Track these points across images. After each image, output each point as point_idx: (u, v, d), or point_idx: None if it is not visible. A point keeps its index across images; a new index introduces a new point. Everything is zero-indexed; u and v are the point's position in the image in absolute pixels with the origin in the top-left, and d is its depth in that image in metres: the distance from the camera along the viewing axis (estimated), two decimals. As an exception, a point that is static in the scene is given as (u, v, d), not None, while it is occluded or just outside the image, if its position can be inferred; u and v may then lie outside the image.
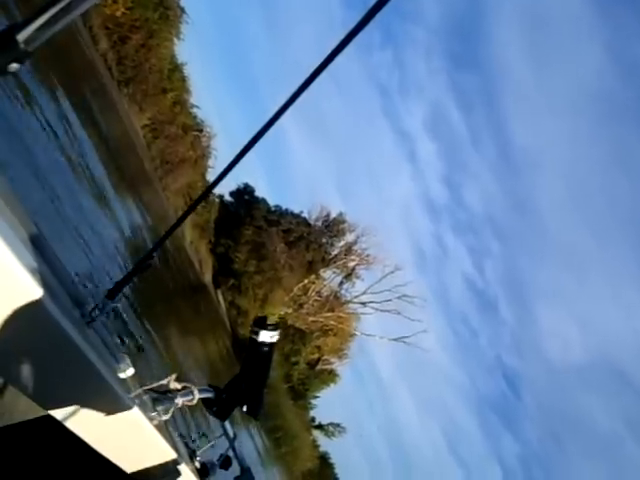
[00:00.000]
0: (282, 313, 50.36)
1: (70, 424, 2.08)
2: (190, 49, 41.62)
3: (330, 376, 57.40)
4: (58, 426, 2.06)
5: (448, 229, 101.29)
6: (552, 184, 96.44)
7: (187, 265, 41.37)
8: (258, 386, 2.88)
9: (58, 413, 2.01)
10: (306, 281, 51.74)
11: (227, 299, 47.36)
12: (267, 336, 2.80)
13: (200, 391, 2.68)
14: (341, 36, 1.70)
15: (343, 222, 54.18)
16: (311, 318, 52.46)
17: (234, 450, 3.20)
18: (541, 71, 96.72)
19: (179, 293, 33.18)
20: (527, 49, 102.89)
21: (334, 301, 54.08)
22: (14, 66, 1.39)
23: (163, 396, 2.50)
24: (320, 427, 60.94)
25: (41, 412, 2.30)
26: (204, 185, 44.99)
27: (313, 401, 59.77)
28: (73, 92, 22.82)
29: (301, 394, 55.68)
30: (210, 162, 43.97)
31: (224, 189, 51.04)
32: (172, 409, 2.50)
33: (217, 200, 48.76)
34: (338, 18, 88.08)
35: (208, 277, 46.67)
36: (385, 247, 53.54)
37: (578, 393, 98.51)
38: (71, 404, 1.99)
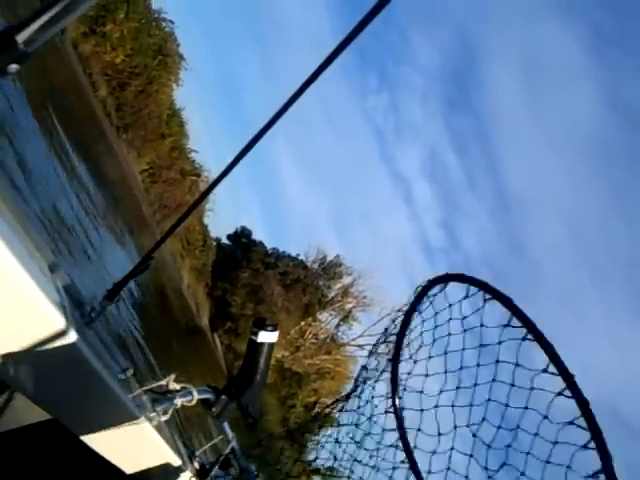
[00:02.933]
0: (279, 356, 50.21)
1: (69, 425, 2.09)
2: (188, 94, 42.19)
3: (328, 419, 56.93)
4: (58, 427, 2.08)
5: (445, 271, 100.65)
6: (549, 226, 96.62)
7: (184, 308, 41.33)
8: (258, 387, 2.88)
9: (57, 414, 2.02)
10: (303, 324, 51.62)
11: (224, 342, 47.16)
12: (266, 337, 2.79)
13: (199, 392, 2.66)
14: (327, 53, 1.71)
15: (340, 264, 54.23)
16: (308, 361, 52.24)
17: (233, 450, 3.21)
18: (537, 114, 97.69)
19: (175, 336, 33.15)
20: (522, 92, 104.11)
21: (331, 344, 53.88)
22: (13, 67, 1.37)
23: (162, 397, 2.49)
24: (317, 472, 60.21)
25: (41, 416, 2.31)
26: (201, 229, 45.24)
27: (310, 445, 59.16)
28: (72, 138, 23.15)
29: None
30: (208, 206, 44.20)
31: (221, 232, 51.33)
32: (171, 409, 2.49)
33: (214, 243, 48.92)
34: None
35: (205, 320, 46.57)
36: (382, 289, 53.46)
37: (579, 442, 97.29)
38: (70, 405, 1.99)
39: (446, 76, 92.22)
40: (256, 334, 2.78)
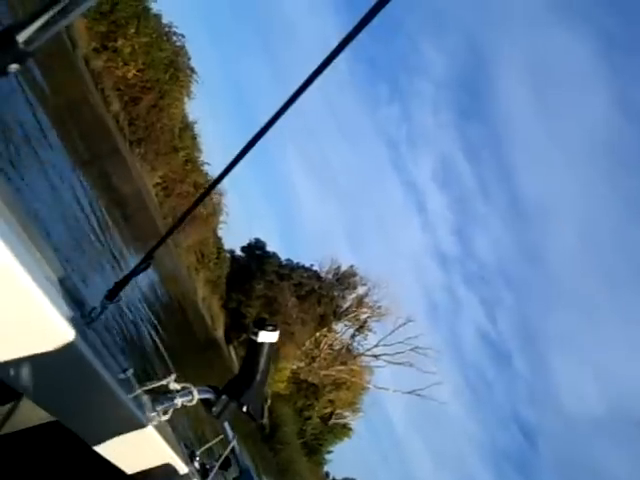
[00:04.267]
0: (294, 367, 50.20)
1: (69, 425, 2.08)
2: (200, 107, 42.31)
3: (344, 430, 56.76)
4: (58, 428, 2.08)
5: (459, 280, 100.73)
6: (563, 233, 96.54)
7: (199, 321, 41.42)
8: (258, 387, 2.85)
9: (57, 415, 2.02)
10: (318, 334, 51.63)
11: (239, 354, 47.14)
12: (266, 337, 2.77)
13: (199, 392, 2.64)
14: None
15: (354, 275, 54.26)
16: (323, 372, 52.18)
17: (233, 451, 3.18)
18: (549, 121, 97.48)
19: (191, 349, 33.23)
20: (534, 99, 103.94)
21: (346, 354, 53.82)
22: (14, 67, 1.36)
23: (162, 396, 2.48)
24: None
25: (41, 418, 2.31)
26: (215, 242, 45.33)
27: (327, 456, 59.02)
28: (85, 153, 23.32)
29: (315, 449, 55.03)
30: (221, 218, 44.34)
31: (235, 244, 51.44)
32: (171, 409, 2.47)
33: (228, 256, 49.03)
34: (345, 70, 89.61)
35: (220, 332, 46.63)
36: (397, 299, 53.41)
37: (596, 444, 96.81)
38: (69, 405, 1.97)
39: (457, 85, 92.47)
40: (256, 334, 2.75)
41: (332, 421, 55.11)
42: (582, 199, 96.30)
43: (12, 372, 1.72)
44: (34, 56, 1.37)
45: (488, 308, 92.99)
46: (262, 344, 2.76)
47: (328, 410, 54.21)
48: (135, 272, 2.22)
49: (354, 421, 57.36)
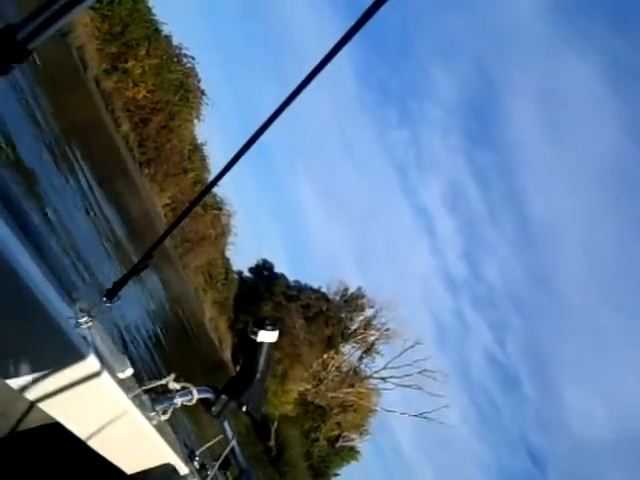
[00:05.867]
0: (302, 389, 49.99)
1: (69, 425, 2.08)
2: (209, 128, 42.51)
3: (351, 453, 56.35)
4: (58, 428, 2.07)
5: (468, 303, 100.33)
6: (572, 257, 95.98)
7: (207, 342, 41.36)
8: (258, 386, 2.85)
9: (57, 414, 2.01)
10: (325, 356, 51.44)
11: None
12: (266, 336, 2.78)
13: (199, 391, 2.66)
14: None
15: (362, 296, 54.13)
16: (331, 394, 51.94)
17: (233, 450, 3.17)
18: (558, 146, 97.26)
19: (198, 370, 33.15)
20: (543, 124, 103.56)
21: (354, 376, 53.59)
22: (13, 65, 1.35)
23: (162, 396, 2.49)
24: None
25: (42, 420, 2.30)
26: (223, 262, 45.35)
27: (334, 479, 58.62)
28: (95, 173, 23.41)
29: (322, 472, 54.61)
30: (229, 239, 44.41)
31: (243, 265, 51.43)
32: (171, 409, 2.48)
33: (236, 277, 49.04)
34: (354, 96, 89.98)
35: (227, 354, 46.51)
36: (405, 321, 53.24)
37: (605, 468, 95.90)
38: (70, 404, 1.97)
39: (466, 109, 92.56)
40: (256, 333, 2.77)
41: (339, 444, 54.73)
42: (591, 223, 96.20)
43: (10, 369, 1.74)
44: (33, 54, 1.36)
45: (496, 331, 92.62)
46: (261, 343, 2.78)
47: (335, 432, 53.87)
48: (134, 272, 2.22)
49: (361, 444, 57.04)
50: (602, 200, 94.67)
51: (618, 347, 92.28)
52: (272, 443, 46.39)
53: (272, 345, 2.83)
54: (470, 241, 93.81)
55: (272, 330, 2.80)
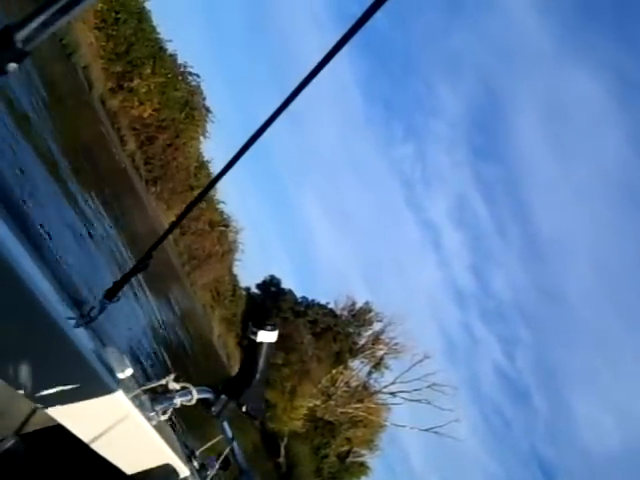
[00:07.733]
0: (311, 405, 49.83)
1: (69, 425, 2.07)
2: (215, 146, 42.63)
3: (361, 469, 56.01)
4: (59, 428, 2.07)
5: (476, 317, 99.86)
6: (580, 270, 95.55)
7: (215, 359, 41.31)
8: (257, 386, 2.87)
9: (56, 414, 2.01)
10: (334, 372, 51.30)
11: (255, 392, 46.90)
12: (266, 336, 2.78)
13: (199, 391, 2.67)
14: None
15: (370, 311, 54.00)
16: (340, 409, 51.73)
17: (233, 451, 3.17)
18: (564, 159, 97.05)
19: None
20: (549, 139, 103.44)
21: (363, 391, 53.39)
22: (12, 66, 1.34)
23: (162, 396, 2.49)
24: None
25: (43, 422, 2.32)
26: (231, 279, 45.38)
27: (344, 496, 58.30)
28: (102, 192, 23.47)
29: (332, 488, 54.45)
30: (237, 256, 44.44)
31: (251, 282, 51.42)
32: (171, 409, 2.49)
33: (244, 293, 49.04)
34: (359, 112, 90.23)
35: (236, 370, 46.40)
36: (413, 336, 53.06)
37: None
38: (69, 405, 1.96)
39: (472, 124, 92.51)
40: (255, 333, 2.77)
41: (349, 459, 54.43)
42: (599, 235, 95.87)
43: (10, 371, 1.75)
44: (31, 55, 1.35)
45: (506, 345, 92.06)
46: (261, 344, 2.80)
47: (345, 448, 53.60)
48: (134, 272, 2.23)
49: (372, 459, 56.75)
50: (609, 213, 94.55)
51: (628, 359, 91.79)
52: (282, 460, 46.19)
53: (272, 345, 2.84)
54: (478, 255, 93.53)
55: (272, 330, 2.80)
